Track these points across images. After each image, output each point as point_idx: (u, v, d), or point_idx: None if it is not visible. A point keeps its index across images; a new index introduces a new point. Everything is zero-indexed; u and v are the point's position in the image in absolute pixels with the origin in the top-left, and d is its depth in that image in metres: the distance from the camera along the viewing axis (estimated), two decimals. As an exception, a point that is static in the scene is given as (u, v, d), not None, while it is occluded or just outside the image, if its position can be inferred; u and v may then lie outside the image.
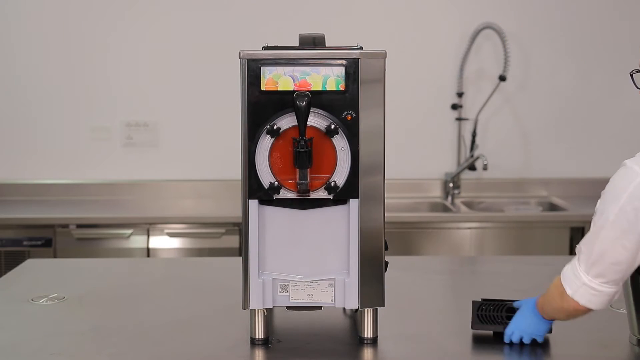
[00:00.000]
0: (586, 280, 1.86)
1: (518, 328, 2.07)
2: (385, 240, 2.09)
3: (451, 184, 4.52)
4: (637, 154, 1.82)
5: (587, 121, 4.62)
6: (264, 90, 2.03)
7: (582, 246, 1.87)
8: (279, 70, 2.02)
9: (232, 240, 3.99)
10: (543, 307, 2.03)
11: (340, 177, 2.05)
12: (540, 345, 2.09)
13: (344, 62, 2.03)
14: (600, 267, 1.84)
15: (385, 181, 2.09)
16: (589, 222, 1.92)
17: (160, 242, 4.00)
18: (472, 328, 2.16)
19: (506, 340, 2.09)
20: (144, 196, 4.48)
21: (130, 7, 4.47)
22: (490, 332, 2.16)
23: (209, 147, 4.52)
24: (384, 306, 2.11)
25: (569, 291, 1.89)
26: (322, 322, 2.28)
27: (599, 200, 1.84)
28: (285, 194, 2.05)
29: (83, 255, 3.90)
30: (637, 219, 1.76)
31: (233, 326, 2.27)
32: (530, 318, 2.05)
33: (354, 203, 2.06)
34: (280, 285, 2.09)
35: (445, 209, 4.46)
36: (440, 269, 3.05)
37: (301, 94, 1.98)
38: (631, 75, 1.90)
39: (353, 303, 2.07)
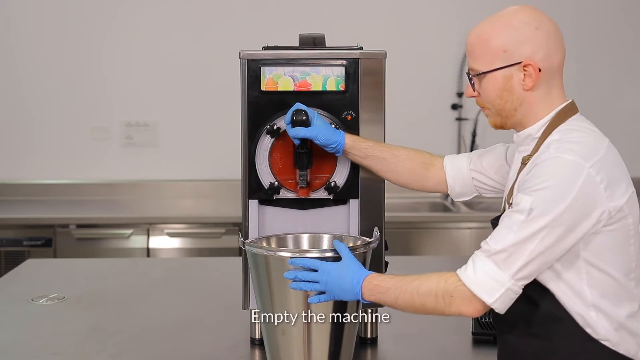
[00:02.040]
0: (511, 284, 1.65)
1: (331, 290, 1.78)
2: (385, 240, 2.09)
3: (451, 184, 4.52)
4: (557, 145, 1.68)
5: (587, 121, 4.62)
6: (264, 91, 2.03)
7: (500, 246, 1.65)
8: (279, 70, 2.03)
9: (232, 240, 3.99)
10: (375, 291, 1.76)
11: (340, 177, 2.05)
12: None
13: (344, 62, 2.03)
14: (531, 269, 1.65)
15: (385, 181, 2.09)
16: None
17: (160, 242, 4.00)
18: (472, 334, 2.16)
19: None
20: (144, 196, 4.48)
21: (130, 8, 4.47)
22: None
23: (209, 147, 4.51)
24: (384, 306, 2.11)
25: (489, 300, 1.65)
26: (322, 322, 2.27)
27: (521, 195, 1.66)
28: (285, 194, 2.05)
29: (83, 255, 3.90)
30: (582, 216, 1.62)
31: (233, 326, 2.27)
32: (344, 283, 1.77)
33: (354, 203, 2.06)
34: (280, 285, 2.09)
35: (445, 209, 4.46)
36: (440, 269, 3.03)
37: (299, 111, 1.96)
38: (469, 80, 1.83)
39: (353, 303, 2.07)
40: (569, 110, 1.78)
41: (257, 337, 2.12)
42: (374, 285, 1.76)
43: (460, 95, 4.52)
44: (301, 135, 1.94)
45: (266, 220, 2.08)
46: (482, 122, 4.54)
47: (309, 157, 2.00)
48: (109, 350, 2.12)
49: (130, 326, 2.31)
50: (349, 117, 2.03)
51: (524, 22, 1.74)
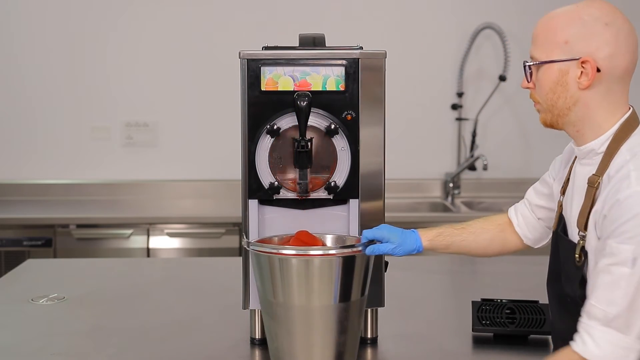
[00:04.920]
0: (638, 345, 1.54)
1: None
2: (385, 240, 2.09)
3: (451, 184, 4.53)
4: (636, 174, 1.57)
5: (587, 121, 4.62)
6: (264, 91, 2.03)
7: (615, 310, 1.53)
8: (279, 70, 2.03)
9: (232, 240, 3.99)
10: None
11: (340, 177, 2.05)
12: (541, 346, 2.09)
13: (344, 62, 2.03)
14: None
15: (385, 181, 2.09)
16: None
17: (160, 242, 4.00)
18: (472, 330, 2.16)
19: None
20: (144, 196, 4.48)
21: (130, 8, 4.47)
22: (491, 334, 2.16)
23: (209, 147, 4.52)
24: (384, 306, 2.11)
25: None
26: (322, 322, 2.27)
27: (615, 244, 1.54)
28: (285, 194, 2.05)
29: (83, 255, 3.90)
30: None
31: (233, 326, 2.27)
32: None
33: (354, 203, 2.06)
34: (280, 285, 2.09)
35: (445, 209, 4.46)
36: (440, 269, 3.04)
37: (302, 94, 1.98)
38: (524, 68, 1.75)
39: (353, 303, 2.07)
40: (634, 122, 1.66)
41: (257, 337, 2.12)
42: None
43: (460, 95, 4.52)
44: (378, 253, 1.92)
45: (266, 220, 2.08)
46: (482, 122, 4.55)
47: (309, 156, 2.00)
48: (109, 350, 2.12)
49: (130, 326, 2.31)
50: (348, 117, 2.03)
51: (594, 17, 1.63)
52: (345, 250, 1.87)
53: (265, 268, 1.87)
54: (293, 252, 1.84)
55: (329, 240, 2.02)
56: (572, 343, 1.58)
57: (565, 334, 1.65)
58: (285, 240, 1.98)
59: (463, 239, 2.02)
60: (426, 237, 2.00)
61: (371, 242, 1.93)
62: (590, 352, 1.54)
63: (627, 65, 1.64)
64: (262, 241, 1.97)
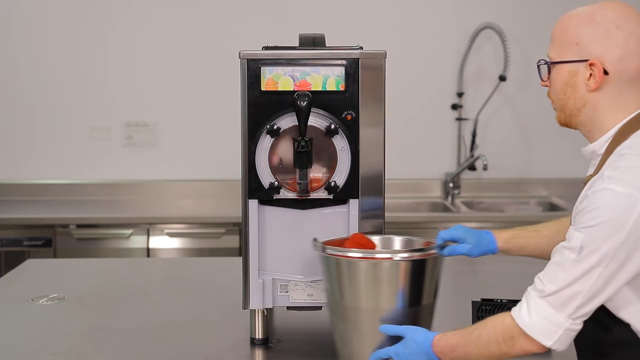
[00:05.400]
0: (568, 324, 1.60)
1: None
2: (385, 240, 2.09)
3: (451, 184, 4.52)
4: (609, 173, 1.58)
5: (587, 121, 4.62)
6: (264, 90, 2.03)
7: (554, 287, 1.60)
8: (279, 70, 2.03)
9: (232, 240, 3.99)
10: (446, 352, 1.73)
11: (340, 177, 2.05)
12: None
13: (344, 62, 2.03)
14: (588, 307, 1.59)
15: (385, 181, 2.09)
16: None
17: (160, 242, 4.00)
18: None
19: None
20: (144, 196, 4.48)
21: (130, 8, 4.47)
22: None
23: (209, 147, 4.51)
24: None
25: (547, 343, 1.60)
26: (322, 322, 2.27)
27: (572, 230, 1.60)
28: (285, 194, 2.05)
29: (83, 255, 3.90)
30: (637, 249, 1.54)
31: (233, 326, 2.27)
32: (419, 357, 1.74)
33: (354, 203, 2.06)
34: (280, 285, 2.09)
35: (445, 209, 4.46)
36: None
37: (302, 94, 1.98)
38: (538, 67, 1.74)
39: (353, 303, 2.07)
40: (635, 124, 1.65)
41: (257, 337, 2.13)
42: (442, 347, 1.73)
43: (460, 95, 4.52)
44: (455, 254, 1.92)
45: (266, 220, 2.08)
46: (482, 122, 4.55)
47: (309, 156, 2.00)
48: (109, 350, 2.12)
49: (130, 326, 2.31)
50: (349, 117, 2.03)
51: (607, 19, 1.63)
52: (425, 253, 1.85)
53: (351, 273, 1.84)
54: (386, 255, 1.84)
55: (378, 242, 2.01)
56: (512, 308, 1.67)
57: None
58: (339, 244, 1.95)
59: (536, 242, 1.99)
60: (501, 238, 1.98)
61: (445, 243, 1.91)
62: (522, 318, 1.63)
63: (639, 69, 1.64)
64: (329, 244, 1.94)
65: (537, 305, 1.62)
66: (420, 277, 1.85)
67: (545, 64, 1.72)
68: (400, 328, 1.81)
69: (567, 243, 1.60)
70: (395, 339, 1.80)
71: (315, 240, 1.93)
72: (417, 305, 1.86)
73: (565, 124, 1.74)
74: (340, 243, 1.94)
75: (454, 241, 1.93)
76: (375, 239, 2.01)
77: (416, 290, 1.85)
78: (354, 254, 1.85)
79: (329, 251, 1.87)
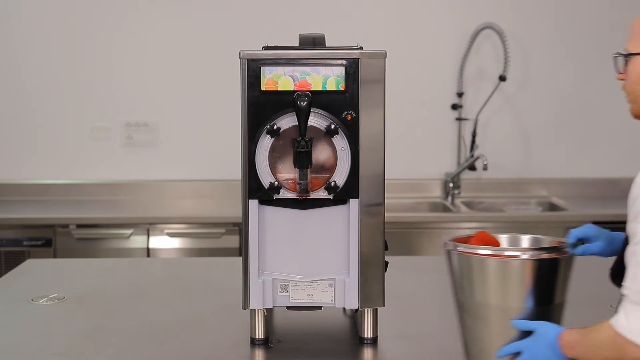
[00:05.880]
0: None
1: (530, 356, 1.77)
2: (385, 240, 2.09)
3: (451, 184, 4.52)
4: None
5: (587, 121, 4.62)
6: (264, 90, 2.03)
7: (638, 287, 1.59)
8: (279, 70, 2.03)
9: (232, 240, 3.99)
10: (569, 347, 1.72)
11: (340, 177, 2.05)
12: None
13: (344, 62, 2.03)
14: None
15: (385, 181, 2.09)
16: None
17: (160, 242, 4.00)
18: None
19: (503, 354, 1.82)
20: (144, 196, 4.48)
21: (130, 8, 4.47)
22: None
23: (209, 147, 4.52)
24: (384, 306, 2.11)
25: None
26: (322, 322, 2.28)
27: (633, 224, 1.60)
28: (285, 194, 2.05)
29: (83, 255, 3.90)
30: None
31: (233, 326, 2.27)
32: (545, 351, 1.74)
33: (354, 203, 2.06)
34: (280, 285, 2.09)
35: (445, 209, 4.46)
36: (440, 269, 3.02)
37: (302, 94, 1.98)
38: (614, 59, 1.77)
39: (353, 303, 2.07)
40: None
41: (257, 337, 2.13)
42: (566, 341, 1.72)
43: (460, 95, 4.52)
44: (588, 253, 1.89)
45: (266, 220, 2.08)
46: (482, 122, 4.55)
47: (309, 156, 2.00)
48: (108, 350, 2.12)
49: (130, 326, 2.31)
50: (349, 117, 2.03)
51: None
52: (559, 252, 1.84)
53: (482, 270, 1.84)
54: (522, 254, 1.82)
55: (504, 241, 1.99)
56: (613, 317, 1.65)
57: None
58: (464, 242, 1.93)
59: None
60: None
61: (577, 242, 1.90)
62: (620, 324, 1.61)
63: None
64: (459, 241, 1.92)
65: (631, 310, 1.60)
66: (552, 276, 1.84)
67: (621, 55, 1.75)
68: (531, 323, 1.80)
69: (634, 239, 1.60)
70: (525, 335, 1.80)
71: (444, 239, 1.93)
72: (549, 304, 1.85)
73: (638, 116, 1.78)
74: (465, 241, 1.93)
75: (586, 240, 1.92)
76: (502, 237, 2.00)
77: (549, 289, 1.84)
78: (488, 251, 1.84)
79: (464, 249, 1.85)
